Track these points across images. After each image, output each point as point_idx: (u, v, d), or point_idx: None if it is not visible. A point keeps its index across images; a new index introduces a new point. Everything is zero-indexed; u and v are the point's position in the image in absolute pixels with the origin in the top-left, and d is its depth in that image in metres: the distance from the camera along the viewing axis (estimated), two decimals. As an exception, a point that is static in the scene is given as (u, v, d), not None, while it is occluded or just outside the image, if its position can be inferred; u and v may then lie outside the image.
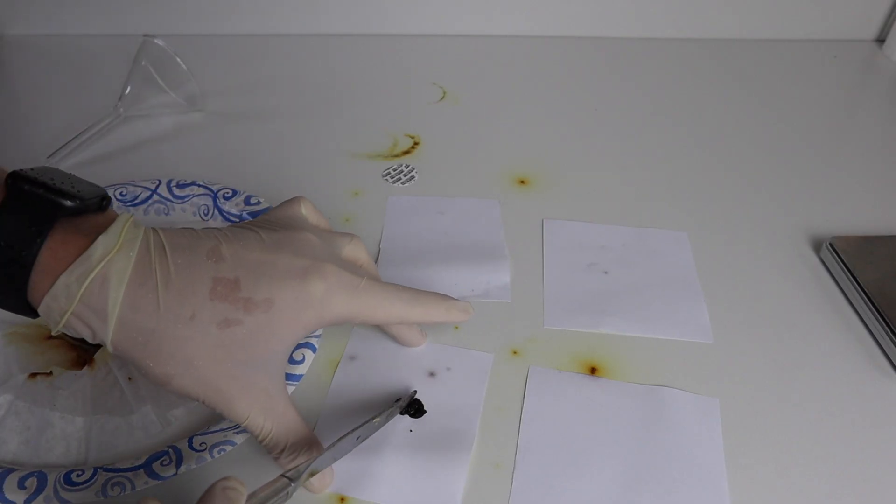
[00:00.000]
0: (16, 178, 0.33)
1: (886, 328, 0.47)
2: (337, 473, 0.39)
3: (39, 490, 0.37)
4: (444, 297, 0.43)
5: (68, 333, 0.35)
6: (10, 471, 0.38)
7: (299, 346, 0.45)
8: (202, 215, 0.55)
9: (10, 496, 0.37)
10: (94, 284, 0.32)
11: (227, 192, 0.56)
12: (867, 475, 0.41)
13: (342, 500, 0.39)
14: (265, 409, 0.36)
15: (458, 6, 0.80)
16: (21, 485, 0.37)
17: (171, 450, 0.39)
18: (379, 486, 0.39)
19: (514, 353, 0.47)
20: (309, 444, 0.38)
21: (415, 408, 0.42)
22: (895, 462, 0.41)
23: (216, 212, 0.55)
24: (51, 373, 0.43)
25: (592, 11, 0.81)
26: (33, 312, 0.34)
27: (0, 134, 0.65)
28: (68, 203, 0.33)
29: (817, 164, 0.64)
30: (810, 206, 0.59)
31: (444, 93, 0.73)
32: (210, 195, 0.56)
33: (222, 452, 0.39)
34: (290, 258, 0.37)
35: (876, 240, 0.54)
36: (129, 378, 0.42)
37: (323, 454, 0.36)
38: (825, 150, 0.67)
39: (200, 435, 0.40)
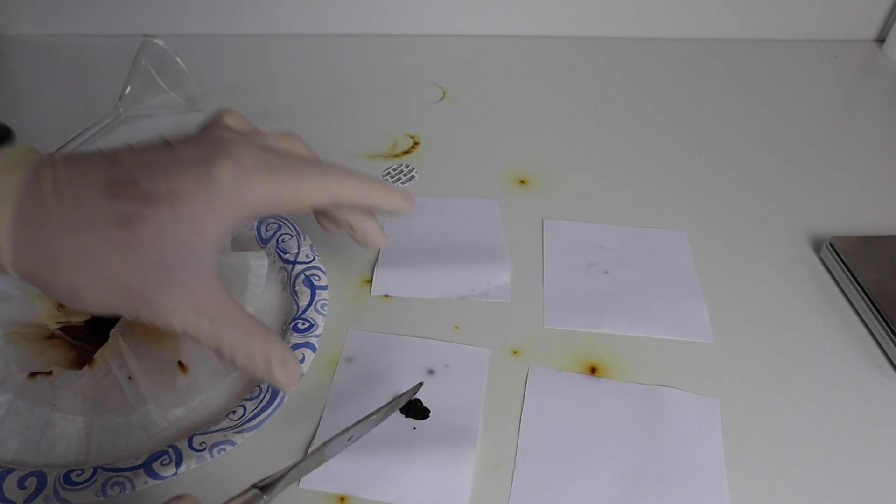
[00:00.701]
0: None
1: (886, 328, 0.47)
2: (339, 473, 0.39)
3: (39, 490, 0.37)
4: (384, 182, 0.39)
5: None
6: (10, 470, 0.38)
7: (299, 345, 0.45)
8: None
9: (9, 496, 0.37)
10: None
11: None
12: (867, 475, 0.41)
13: (342, 499, 0.39)
14: (196, 308, 0.33)
15: (458, 6, 0.80)
16: (21, 484, 0.37)
17: (170, 449, 0.39)
18: (384, 485, 0.39)
19: (514, 352, 0.47)
20: (265, 343, 0.34)
21: (417, 410, 0.42)
22: (895, 462, 0.41)
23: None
24: (51, 372, 0.42)
25: (592, 11, 0.81)
26: None
27: (0, 134, 0.65)
28: None
29: (817, 164, 0.64)
30: (810, 206, 0.59)
31: (444, 93, 0.73)
32: None
33: (222, 452, 0.39)
34: (194, 148, 0.34)
35: (876, 240, 0.54)
36: (130, 378, 0.42)
37: (306, 459, 0.35)
38: (825, 150, 0.67)
39: (200, 434, 0.40)
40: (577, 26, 0.82)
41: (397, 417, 0.42)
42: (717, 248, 0.55)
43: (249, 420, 0.40)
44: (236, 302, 0.34)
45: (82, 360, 0.44)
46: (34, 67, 0.77)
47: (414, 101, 0.72)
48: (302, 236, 0.52)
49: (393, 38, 0.82)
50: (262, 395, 0.42)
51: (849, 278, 0.51)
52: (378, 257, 0.53)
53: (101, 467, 0.38)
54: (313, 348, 0.45)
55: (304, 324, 0.46)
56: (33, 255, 0.32)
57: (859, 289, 0.50)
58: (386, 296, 0.50)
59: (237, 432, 0.40)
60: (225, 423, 0.40)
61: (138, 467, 0.38)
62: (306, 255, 0.51)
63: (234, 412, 0.41)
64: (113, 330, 0.44)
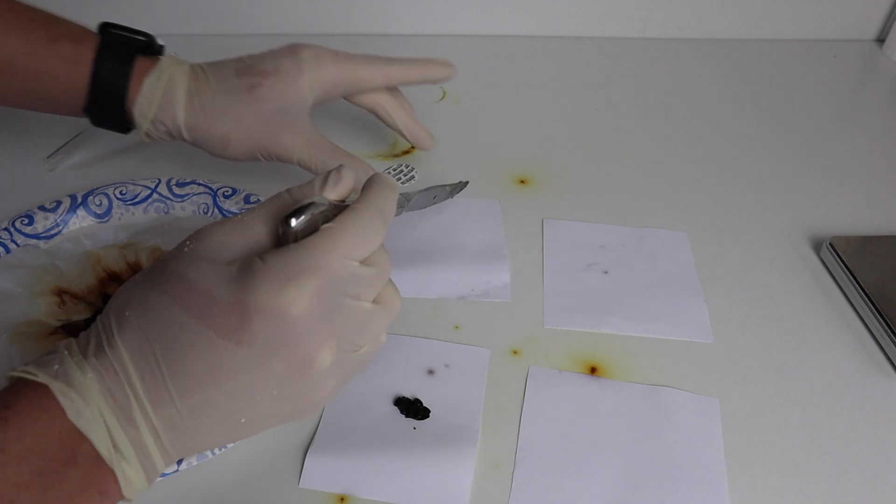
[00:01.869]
0: (107, 25, 0.49)
1: (886, 328, 0.47)
2: (339, 473, 0.39)
3: None
4: (422, 57, 0.54)
5: (153, 133, 0.49)
6: None
7: None
8: (202, 214, 0.55)
9: None
10: (167, 83, 0.48)
11: (227, 191, 0.56)
12: (867, 475, 0.41)
13: (342, 499, 0.39)
14: (306, 141, 0.49)
15: (458, 6, 0.80)
16: None
17: None
18: (384, 485, 0.39)
19: (514, 352, 0.47)
20: (361, 168, 0.50)
21: (417, 410, 0.42)
22: (895, 462, 0.41)
23: (216, 210, 0.55)
24: None
25: (592, 11, 0.81)
26: (126, 123, 0.50)
27: (0, 134, 0.65)
28: (142, 38, 0.49)
29: (817, 164, 0.64)
30: (810, 206, 0.59)
31: (444, 93, 0.73)
32: (210, 194, 0.56)
33: (223, 449, 0.39)
34: (286, 48, 0.51)
35: (876, 240, 0.54)
36: None
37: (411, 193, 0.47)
38: (825, 149, 0.67)
39: None
40: (577, 26, 0.82)
41: (397, 417, 0.42)
42: (717, 248, 0.55)
43: None
44: (324, 137, 0.51)
45: None
46: (34, 67, 0.77)
47: (414, 101, 0.71)
48: None
49: (393, 38, 0.82)
50: None
51: (849, 278, 0.51)
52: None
53: None
54: None
55: None
56: (197, 116, 0.48)
57: (859, 289, 0.50)
58: (386, 296, 0.50)
59: None
60: None
61: None
62: None
63: None
64: None
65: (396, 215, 0.37)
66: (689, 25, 0.82)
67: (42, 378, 0.28)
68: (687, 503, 0.39)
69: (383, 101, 0.54)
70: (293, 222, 0.31)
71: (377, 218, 0.32)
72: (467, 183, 0.52)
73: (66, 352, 0.30)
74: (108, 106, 0.48)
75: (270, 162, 0.51)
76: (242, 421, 0.30)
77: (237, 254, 0.31)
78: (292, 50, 0.50)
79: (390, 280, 0.33)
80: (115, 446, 0.28)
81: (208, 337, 0.29)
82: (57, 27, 0.48)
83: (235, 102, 0.48)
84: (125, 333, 0.29)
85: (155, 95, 0.47)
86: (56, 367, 0.29)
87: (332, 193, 0.33)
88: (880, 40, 0.84)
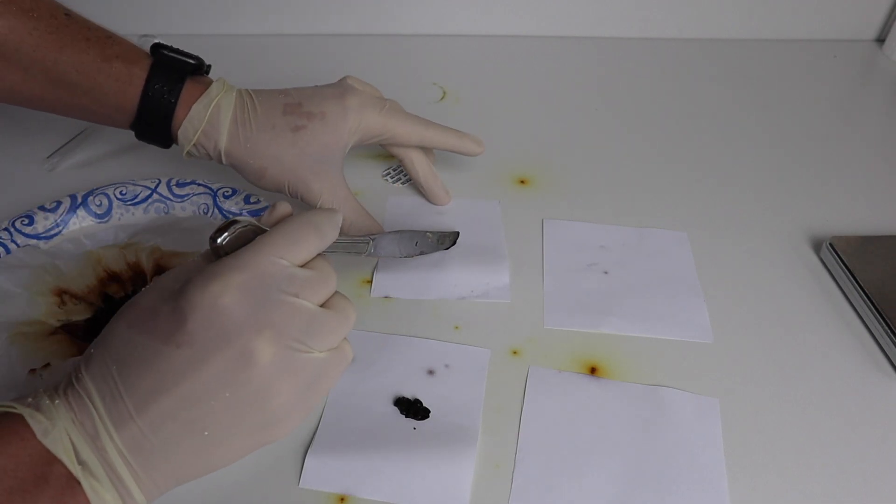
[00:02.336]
0: (158, 46, 0.50)
1: (886, 328, 0.47)
2: (339, 472, 0.39)
3: None
4: (457, 130, 0.56)
5: (194, 153, 0.51)
6: None
7: None
8: (202, 214, 0.55)
9: None
10: (213, 110, 0.49)
11: (227, 191, 0.56)
12: (867, 475, 0.41)
13: (342, 499, 0.39)
14: (331, 191, 0.50)
15: (458, 6, 0.80)
16: None
17: None
18: (384, 485, 0.39)
19: (514, 352, 0.47)
20: (369, 225, 0.52)
21: (417, 410, 0.42)
22: (895, 462, 0.41)
23: (216, 210, 0.55)
24: (48, 365, 0.42)
25: (592, 11, 0.81)
26: (168, 141, 0.51)
27: (0, 134, 0.65)
28: (192, 62, 0.50)
29: (817, 164, 0.64)
30: (810, 206, 0.59)
31: (444, 93, 0.73)
32: (210, 194, 0.56)
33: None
34: (334, 90, 0.52)
35: (876, 240, 0.54)
36: None
37: (385, 234, 0.45)
38: (825, 149, 0.67)
39: None
40: (577, 26, 0.82)
41: (397, 417, 0.42)
42: (717, 248, 0.55)
43: None
44: (351, 192, 0.52)
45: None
46: (34, 67, 0.77)
47: (414, 101, 0.71)
48: None
49: (393, 38, 0.82)
50: None
51: (849, 278, 0.51)
52: (378, 258, 0.53)
53: None
54: None
55: None
56: (238, 145, 0.49)
57: (859, 289, 0.50)
58: (386, 297, 0.50)
59: None
60: None
61: None
62: None
63: None
64: None
65: (365, 253, 0.42)
66: (689, 25, 0.82)
67: (17, 408, 0.30)
68: (687, 503, 0.39)
69: (412, 155, 0.56)
70: (218, 239, 0.32)
71: (307, 227, 0.34)
72: (457, 234, 0.50)
73: (41, 389, 0.32)
74: (155, 125, 0.50)
75: (294, 198, 0.51)
76: (206, 434, 0.31)
77: (182, 280, 0.32)
78: (340, 95, 0.51)
79: (342, 294, 0.35)
80: (82, 463, 0.29)
81: (154, 347, 0.31)
82: (112, 47, 0.49)
83: (278, 141, 0.49)
84: (89, 363, 0.32)
85: (201, 121, 0.49)
86: (30, 399, 0.31)
87: (265, 220, 0.35)
88: (880, 40, 0.84)
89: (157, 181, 0.56)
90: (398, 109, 0.54)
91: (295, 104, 0.50)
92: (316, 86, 0.52)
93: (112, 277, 0.49)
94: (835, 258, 0.52)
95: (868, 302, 0.49)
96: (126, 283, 0.49)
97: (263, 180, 0.50)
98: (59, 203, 0.54)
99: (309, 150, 0.50)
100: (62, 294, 0.48)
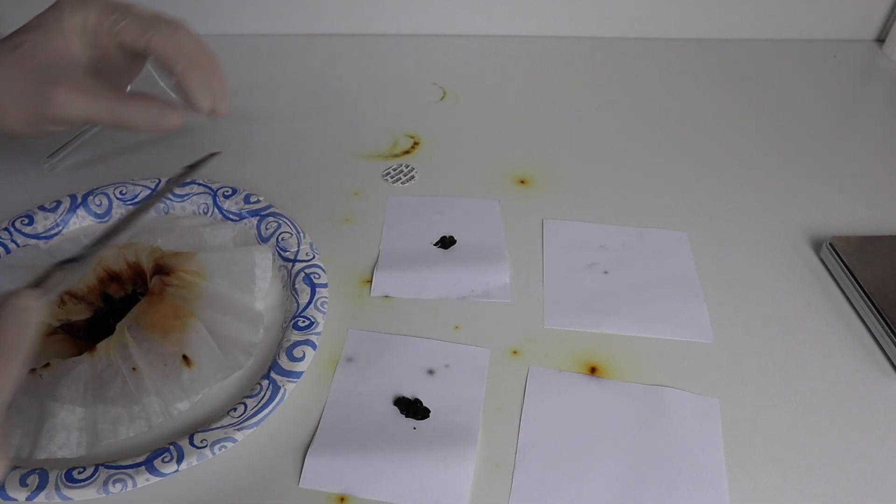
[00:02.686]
0: None
1: (886, 328, 0.47)
2: (339, 472, 0.39)
3: (41, 487, 0.37)
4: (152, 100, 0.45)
5: None
6: (12, 468, 0.38)
7: (299, 343, 0.45)
8: (202, 213, 0.55)
9: (11, 493, 0.37)
10: None
11: (227, 191, 0.56)
12: (867, 475, 0.41)
13: (342, 499, 0.39)
14: (84, 93, 0.44)
15: (458, 6, 0.80)
16: (23, 482, 0.37)
17: (171, 447, 0.39)
18: (384, 485, 0.39)
19: (514, 352, 0.47)
20: (150, 102, 0.45)
21: (417, 410, 0.42)
22: (895, 462, 0.41)
23: (216, 210, 0.55)
24: (48, 364, 0.43)
25: (592, 11, 0.81)
26: None
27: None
28: None
29: (817, 164, 0.64)
30: (810, 206, 0.59)
31: (444, 93, 0.73)
32: (210, 194, 0.56)
33: (223, 449, 0.39)
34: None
35: (876, 240, 0.54)
36: (134, 368, 0.42)
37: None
38: (825, 150, 0.67)
39: (202, 431, 0.40)
40: (577, 26, 0.82)
41: (397, 417, 0.42)
42: (717, 248, 0.55)
43: (251, 417, 0.41)
44: (109, 84, 0.45)
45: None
46: (34, 67, 0.77)
47: (414, 101, 0.72)
48: (301, 234, 0.52)
49: (393, 38, 0.82)
50: (262, 393, 0.42)
51: (849, 278, 0.51)
52: (378, 258, 0.53)
53: (102, 464, 0.38)
54: (313, 346, 0.45)
55: (304, 321, 0.46)
56: None
57: (859, 289, 0.50)
58: (386, 296, 0.50)
59: (238, 429, 0.40)
60: (226, 421, 0.40)
61: (140, 464, 0.38)
62: (306, 254, 0.51)
63: (235, 409, 0.41)
64: (119, 323, 0.44)
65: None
66: (689, 25, 0.82)
67: None
68: (687, 503, 0.39)
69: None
70: None
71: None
72: (214, 154, 0.48)
73: None
74: None
75: (64, 129, 0.46)
76: None
77: None
78: (55, 3, 0.46)
79: None
80: None
81: None
82: None
83: (2, 69, 0.43)
84: None
85: None
86: None
87: None
88: (880, 40, 0.84)
89: (158, 181, 0.56)
90: (131, 12, 0.46)
91: (12, 33, 0.45)
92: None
93: (112, 277, 0.49)
94: (835, 258, 0.52)
95: (868, 302, 0.49)
96: (126, 283, 0.49)
97: (7, 119, 0.44)
98: (58, 203, 0.54)
99: (33, 62, 0.44)
100: (62, 294, 0.48)
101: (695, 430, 0.42)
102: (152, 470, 0.38)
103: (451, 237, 0.54)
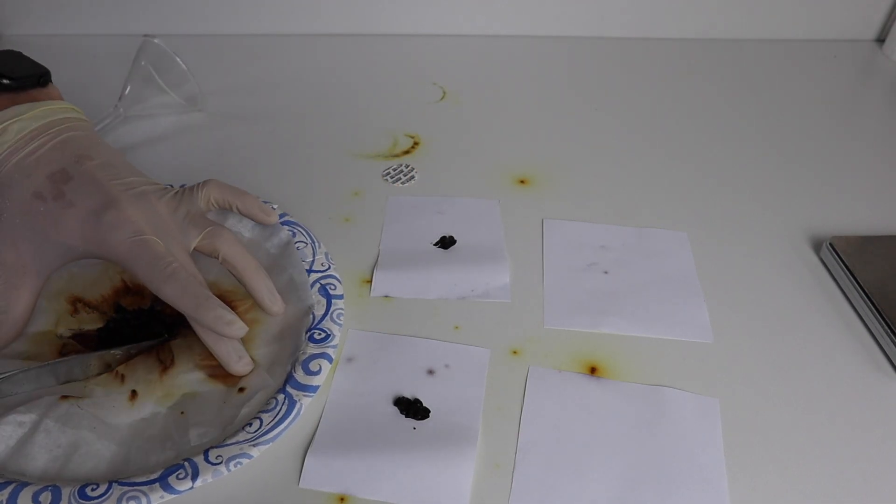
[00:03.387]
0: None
1: (886, 328, 0.47)
2: (339, 473, 0.39)
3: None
4: (224, 308, 0.42)
5: None
6: (25, 484, 0.37)
7: (315, 356, 0.44)
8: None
9: None
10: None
11: None
12: (867, 475, 0.41)
13: (342, 499, 0.39)
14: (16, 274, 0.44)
15: (458, 6, 0.80)
16: (35, 499, 0.37)
17: (186, 463, 0.38)
18: (384, 485, 0.39)
19: (514, 352, 0.47)
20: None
21: (417, 410, 0.42)
22: (895, 462, 0.41)
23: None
24: (82, 397, 0.42)
25: (592, 11, 0.81)
26: None
27: None
28: (5, 81, 0.46)
29: (817, 164, 0.64)
30: (810, 206, 0.59)
31: (444, 93, 0.73)
32: None
33: (238, 465, 0.39)
34: (120, 189, 0.44)
35: (876, 240, 0.54)
36: (182, 413, 0.42)
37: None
38: (825, 150, 0.67)
39: (217, 448, 0.39)
40: (577, 26, 0.82)
41: (397, 417, 0.42)
42: (717, 248, 0.55)
43: (266, 433, 0.40)
44: (35, 290, 0.45)
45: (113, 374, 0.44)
46: (34, 67, 0.77)
47: (414, 101, 0.72)
48: (317, 244, 0.51)
49: (393, 38, 0.82)
50: (278, 408, 0.41)
51: (849, 278, 0.51)
52: (378, 258, 0.53)
53: (116, 481, 0.38)
54: (329, 359, 0.44)
55: (320, 334, 0.45)
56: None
57: (859, 289, 0.50)
58: (386, 296, 0.50)
59: (254, 445, 0.39)
60: (242, 436, 0.40)
61: (154, 481, 0.37)
62: (322, 264, 0.50)
63: (251, 424, 0.40)
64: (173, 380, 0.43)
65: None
66: (689, 25, 0.82)
67: None
68: (687, 503, 0.39)
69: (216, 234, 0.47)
70: None
71: None
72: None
73: None
74: None
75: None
76: None
77: None
78: (112, 200, 0.44)
79: None
80: None
81: None
82: None
83: (16, 191, 0.44)
84: None
85: None
86: None
87: None
88: (880, 40, 0.84)
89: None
90: (151, 248, 0.43)
91: (65, 174, 0.44)
92: (120, 172, 0.46)
93: (128, 289, 0.48)
94: (835, 258, 0.52)
95: (868, 302, 0.49)
96: (145, 297, 0.48)
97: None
98: None
99: (35, 224, 0.43)
100: (76, 302, 0.47)
101: (695, 430, 0.42)
102: (167, 487, 0.37)
103: (451, 237, 0.54)
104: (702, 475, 0.40)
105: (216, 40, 0.80)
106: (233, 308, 0.44)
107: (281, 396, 0.42)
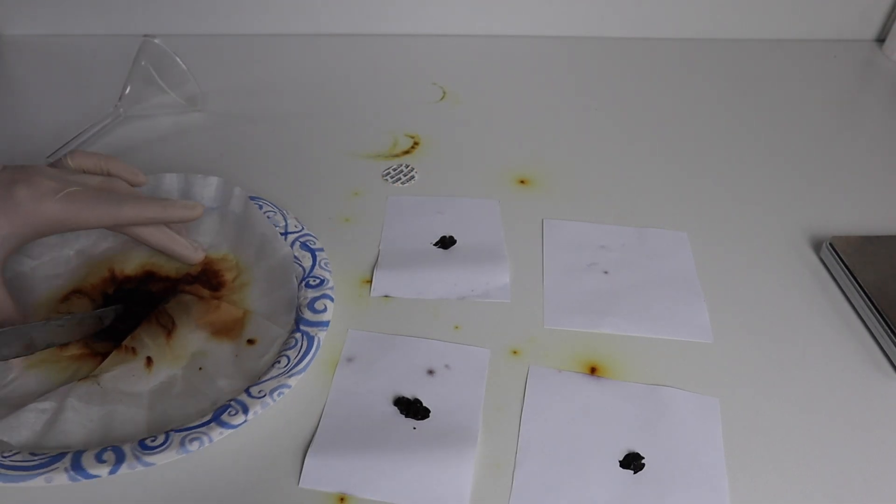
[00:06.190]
0: None
1: (886, 328, 0.47)
2: (339, 472, 0.39)
3: (120, 461, 0.38)
4: (167, 199, 0.47)
5: None
6: (82, 451, 0.38)
7: (317, 298, 0.47)
8: None
9: (91, 471, 0.37)
10: None
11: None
12: (867, 475, 0.41)
13: (342, 499, 0.39)
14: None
15: (458, 6, 0.80)
16: (99, 459, 0.38)
17: (233, 402, 0.41)
18: (384, 485, 0.39)
19: (514, 352, 0.47)
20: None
21: (417, 410, 0.42)
22: (895, 462, 0.41)
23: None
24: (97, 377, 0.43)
25: (592, 11, 0.81)
26: None
27: (0, 134, 0.65)
28: None
29: (817, 164, 0.65)
30: (810, 206, 0.59)
31: (444, 93, 0.73)
32: None
33: (281, 395, 0.41)
34: (11, 173, 0.44)
35: (876, 240, 0.54)
36: (200, 368, 0.44)
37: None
38: (825, 150, 0.67)
39: (256, 384, 0.42)
40: (577, 26, 0.82)
41: (397, 417, 0.42)
42: (717, 248, 0.55)
43: (296, 365, 0.43)
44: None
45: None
46: (34, 67, 0.77)
47: (414, 101, 0.72)
48: (285, 212, 0.53)
49: (393, 38, 0.82)
50: (299, 344, 0.44)
51: (849, 278, 0.51)
52: (378, 258, 0.53)
53: (172, 430, 0.39)
54: (331, 299, 0.47)
55: (314, 281, 0.49)
56: None
57: (859, 289, 0.50)
58: (386, 296, 0.50)
59: (290, 376, 0.42)
60: (274, 372, 0.42)
61: (209, 422, 0.40)
62: (294, 226, 0.52)
63: (279, 362, 0.43)
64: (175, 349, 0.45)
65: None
66: (689, 25, 0.82)
67: None
68: (687, 503, 0.39)
69: (136, 232, 0.48)
70: None
71: None
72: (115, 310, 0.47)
73: None
74: None
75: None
76: None
77: None
78: (10, 182, 0.43)
79: None
80: None
81: None
82: None
83: None
84: None
85: None
86: None
87: None
88: (880, 40, 0.84)
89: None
90: (87, 192, 0.44)
91: None
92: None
93: (114, 279, 0.50)
94: (835, 258, 0.52)
95: (868, 302, 0.49)
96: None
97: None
98: None
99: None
100: (69, 291, 0.48)
101: (695, 430, 0.42)
102: (223, 424, 0.39)
103: (451, 237, 0.54)
104: (702, 475, 0.40)
105: (216, 40, 0.80)
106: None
107: (298, 335, 0.45)
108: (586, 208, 0.58)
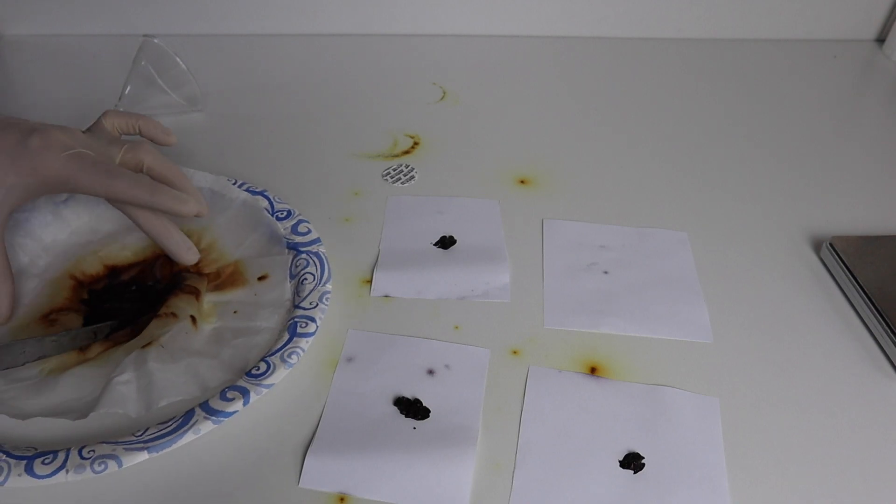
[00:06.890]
0: None
1: (886, 328, 0.47)
2: (339, 471, 0.39)
3: (245, 393, 0.41)
4: (162, 186, 0.46)
5: None
6: (207, 399, 0.41)
7: (296, 223, 0.51)
8: None
9: (227, 409, 0.40)
10: None
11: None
12: (867, 475, 0.41)
13: (342, 499, 0.39)
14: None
15: (458, 6, 0.80)
16: (224, 397, 0.41)
17: (297, 318, 0.45)
18: (384, 485, 0.39)
19: (514, 352, 0.47)
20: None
21: (417, 410, 0.42)
22: (895, 462, 0.41)
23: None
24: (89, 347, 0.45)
25: (592, 11, 0.81)
26: None
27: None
28: None
29: (817, 164, 0.65)
30: (810, 206, 0.59)
31: (444, 93, 0.73)
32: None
33: (328, 300, 0.47)
34: (34, 124, 0.46)
35: (876, 240, 0.54)
36: (235, 312, 0.48)
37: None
38: (825, 150, 0.67)
39: (304, 299, 0.46)
40: (577, 26, 0.82)
41: (397, 417, 0.42)
42: (717, 248, 0.55)
43: (322, 274, 0.48)
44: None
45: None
46: (34, 67, 0.77)
47: (414, 101, 0.72)
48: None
49: (393, 38, 0.82)
50: (311, 263, 0.49)
51: (849, 278, 0.51)
52: (378, 258, 0.53)
53: (266, 356, 0.43)
54: (307, 221, 0.53)
55: (282, 213, 0.53)
56: None
57: (859, 289, 0.50)
58: (386, 296, 0.50)
59: (323, 285, 0.47)
60: (308, 286, 0.47)
61: (290, 339, 0.44)
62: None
63: (306, 279, 0.48)
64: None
65: None
66: (689, 25, 0.82)
67: None
68: (687, 503, 0.39)
69: (133, 213, 0.48)
70: None
71: None
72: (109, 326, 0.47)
73: None
74: None
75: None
76: None
77: None
78: (29, 131, 0.45)
79: None
80: None
81: None
82: None
83: None
84: None
85: None
86: None
87: None
88: (880, 40, 0.84)
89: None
90: (97, 162, 0.45)
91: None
92: (13, 118, 0.47)
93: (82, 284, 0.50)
94: (835, 258, 0.52)
95: (868, 302, 0.49)
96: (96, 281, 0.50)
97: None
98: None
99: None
100: (48, 312, 0.48)
101: (695, 430, 0.42)
102: (301, 335, 0.44)
103: (451, 237, 0.54)
104: (702, 475, 0.40)
105: (216, 40, 0.80)
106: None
107: (304, 256, 0.50)
108: (586, 208, 0.58)
